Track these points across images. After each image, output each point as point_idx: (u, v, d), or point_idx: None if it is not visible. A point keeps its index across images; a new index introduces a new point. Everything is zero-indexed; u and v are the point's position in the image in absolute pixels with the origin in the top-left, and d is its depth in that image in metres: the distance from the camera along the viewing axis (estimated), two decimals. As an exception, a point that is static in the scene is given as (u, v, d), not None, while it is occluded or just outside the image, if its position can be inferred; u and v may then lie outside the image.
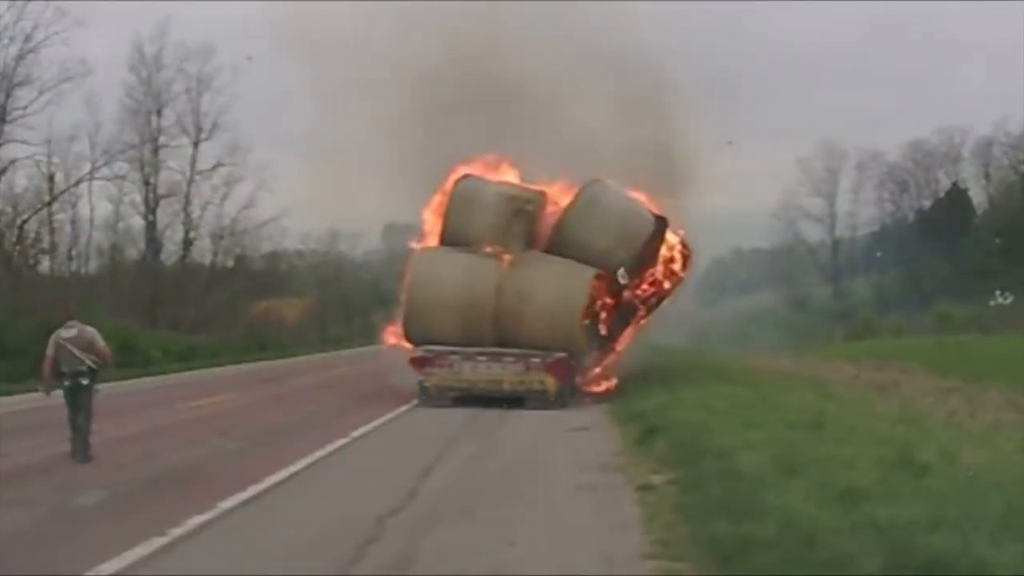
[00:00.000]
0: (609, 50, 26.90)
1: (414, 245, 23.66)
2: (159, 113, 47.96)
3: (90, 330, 13.37)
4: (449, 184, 22.64)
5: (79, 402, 12.91)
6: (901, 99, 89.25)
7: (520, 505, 9.99)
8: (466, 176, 22.76)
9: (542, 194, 22.71)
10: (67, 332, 13.19)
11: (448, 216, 22.20)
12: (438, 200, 22.92)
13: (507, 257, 21.60)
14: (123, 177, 46.82)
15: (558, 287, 21.01)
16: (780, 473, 9.40)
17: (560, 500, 10.32)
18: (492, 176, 23.10)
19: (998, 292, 53.66)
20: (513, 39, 26.66)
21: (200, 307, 49.10)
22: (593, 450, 13.78)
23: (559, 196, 22.85)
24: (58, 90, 40.62)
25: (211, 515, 9.13)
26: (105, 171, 45.48)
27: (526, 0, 26.53)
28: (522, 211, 21.98)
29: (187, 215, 49.49)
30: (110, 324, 36.20)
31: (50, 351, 13.11)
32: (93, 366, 12.98)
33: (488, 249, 21.69)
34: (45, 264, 45.99)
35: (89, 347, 13.14)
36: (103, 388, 13.33)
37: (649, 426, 14.75)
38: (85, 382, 12.97)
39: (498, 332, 20.81)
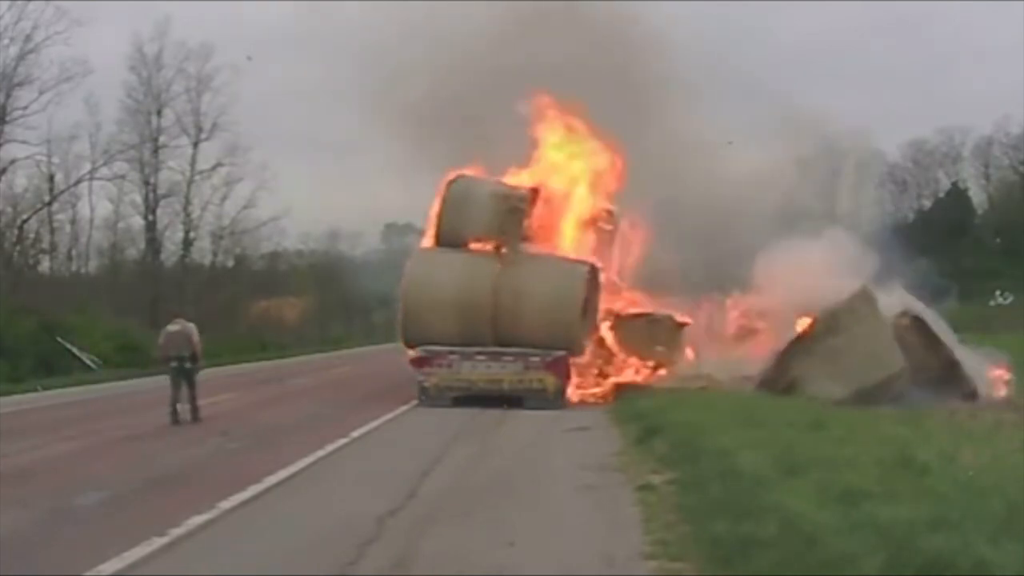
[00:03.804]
0: (611, 50, 26.87)
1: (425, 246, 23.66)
2: (159, 113, 47.85)
3: (190, 326, 17.62)
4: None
5: (183, 380, 16.98)
6: (901, 99, 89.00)
7: (520, 505, 9.99)
8: (459, 176, 22.83)
9: (534, 191, 22.81)
10: (173, 327, 17.61)
11: (442, 217, 22.25)
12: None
13: (502, 255, 21.63)
14: (123, 177, 46.74)
15: (554, 283, 21.06)
16: (780, 473, 9.39)
17: (560, 500, 10.31)
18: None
19: (998, 292, 53.58)
20: (519, 39, 26.65)
21: (200, 307, 48.99)
22: (593, 450, 13.77)
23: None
24: (58, 90, 40.50)
25: (211, 515, 9.13)
26: (105, 171, 45.42)
27: (532, 0, 26.49)
28: (515, 209, 22.04)
29: (187, 215, 49.42)
30: (110, 324, 36.46)
31: (161, 340, 17.64)
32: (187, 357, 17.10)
33: (483, 248, 21.74)
34: (45, 264, 46.04)
35: (187, 341, 17.28)
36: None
37: (649, 426, 14.72)
38: (188, 365, 17.07)
39: (497, 331, 20.81)
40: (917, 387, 20.13)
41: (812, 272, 21.28)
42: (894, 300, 21.87)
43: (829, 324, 20.64)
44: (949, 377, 21.06)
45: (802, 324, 21.32)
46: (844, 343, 20.20)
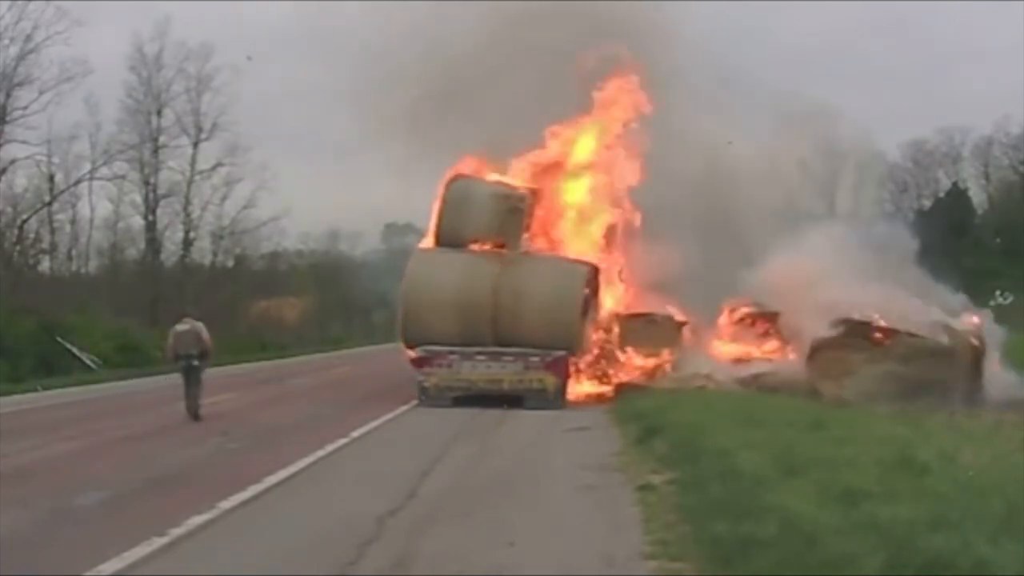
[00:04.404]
0: (610, 49, 26.81)
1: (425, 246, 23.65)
2: (159, 113, 47.79)
3: (199, 325, 17.70)
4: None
5: (192, 377, 17.27)
6: (901, 99, 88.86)
7: (520, 505, 9.99)
8: (459, 176, 22.84)
9: (534, 192, 22.82)
10: (182, 327, 17.67)
11: (442, 217, 22.30)
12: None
13: (502, 255, 21.65)
14: (123, 177, 46.69)
15: (554, 283, 21.09)
16: (780, 473, 9.39)
17: (560, 500, 10.31)
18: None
19: (998, 292, 53.55)
20: (518, 39, 26.62)
21: (200, 307, 48.94)
22: (593, 450, 13.77)
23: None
24: (58, 90, 40.45)
25: (211, 515, 9.13)
26: (105, 171, 45.37)
27: (533, 1, 26.47)
28: (515, 209, 22.07)
29: (187, 215, 49.37)
30: (110, 324, 36.45)
31: (170, 340, 17.71)
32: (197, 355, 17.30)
33: (483, 248, 21.75)
34: (45, 264, 46.01)
35: (197, 339, 17.42)
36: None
37: (649, 426, 14.72)
38: (196, 363, 17.28)
39: (497, 331, 20.83)
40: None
41: (817, 271, 21.24)
42: (970, 318, 21.89)
43: (908, 351, 20.60)
44: (969, 391, 21.13)
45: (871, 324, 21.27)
46: (908, 373, 20.14)
